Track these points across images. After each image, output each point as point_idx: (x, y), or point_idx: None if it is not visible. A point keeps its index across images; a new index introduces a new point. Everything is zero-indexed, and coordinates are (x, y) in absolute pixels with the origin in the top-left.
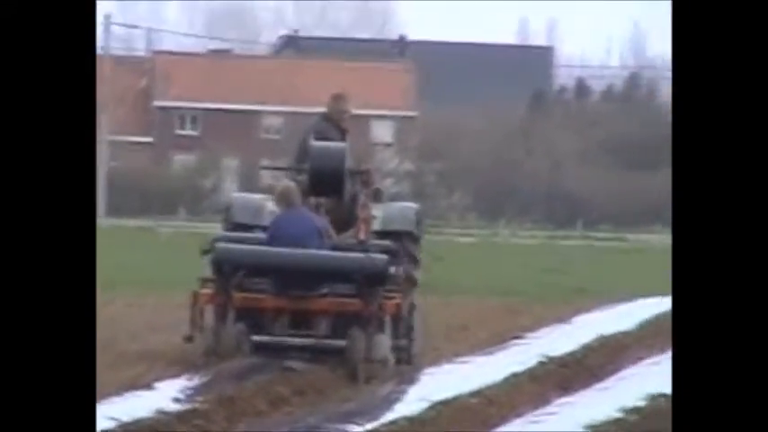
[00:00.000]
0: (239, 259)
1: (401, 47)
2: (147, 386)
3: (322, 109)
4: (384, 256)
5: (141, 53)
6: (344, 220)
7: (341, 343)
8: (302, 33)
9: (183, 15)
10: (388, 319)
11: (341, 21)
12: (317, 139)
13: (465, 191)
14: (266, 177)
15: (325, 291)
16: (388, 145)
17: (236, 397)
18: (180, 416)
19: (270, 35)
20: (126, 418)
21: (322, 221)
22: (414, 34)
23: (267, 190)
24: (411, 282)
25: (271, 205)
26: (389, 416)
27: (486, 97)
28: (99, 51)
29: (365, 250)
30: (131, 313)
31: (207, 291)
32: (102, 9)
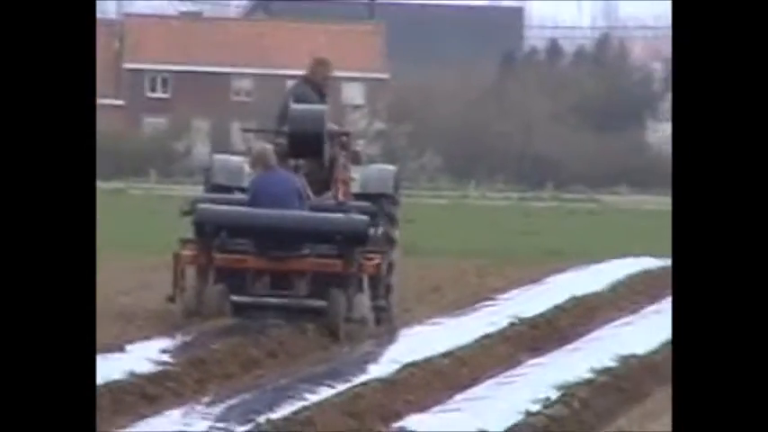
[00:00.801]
0: (221, 220)
1: (371, 8)
2: (120, 348)
3: (293, 71)
4: (364, 217)
5: (112, 16)
6: (323, 181)
7: (321, 303)
8: None
9: None
10: (367, 279)
11: None
12: (297, 101)
13: (435, 152)
14: (245, 139)
15: (305, 251)
16: (359, 107)
17: (208, 359)
18: (151, 378)
19: None
20: (98, 380)
21: (300, 182)
22: None
23: (245, 152)
24: (390, 242)
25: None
26: (361, 377)
27: (457, 58)
28: None
29: (345, 211)
30: (104, 276)
31: (188, 252)
32: None
